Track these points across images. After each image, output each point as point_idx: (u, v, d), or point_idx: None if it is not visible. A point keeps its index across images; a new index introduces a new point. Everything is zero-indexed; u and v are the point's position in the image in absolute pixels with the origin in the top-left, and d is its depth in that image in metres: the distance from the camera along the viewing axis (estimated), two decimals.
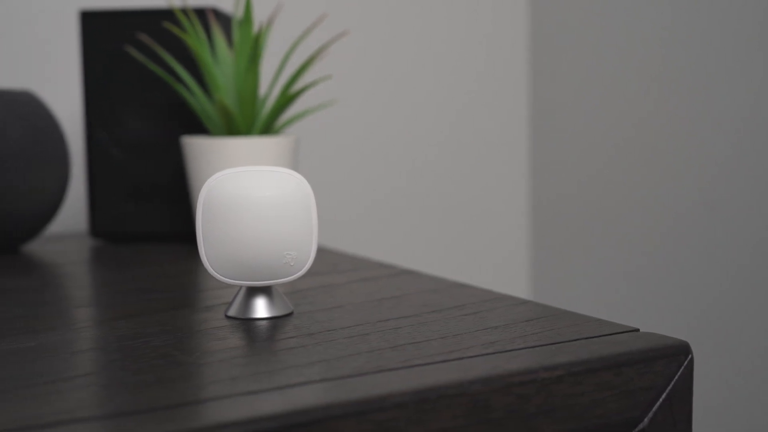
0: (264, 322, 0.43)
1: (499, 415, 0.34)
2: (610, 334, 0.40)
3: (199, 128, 0.68)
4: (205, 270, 0.57)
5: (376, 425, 0.31)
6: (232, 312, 0.44)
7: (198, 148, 0.61)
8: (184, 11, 0.68)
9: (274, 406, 0.30)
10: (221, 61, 0.63)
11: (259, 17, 0.88)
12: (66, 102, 0.80)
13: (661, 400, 0.38)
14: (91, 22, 0.68)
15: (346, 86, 0.94)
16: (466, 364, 0.35)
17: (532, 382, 0.34)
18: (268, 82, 0.88)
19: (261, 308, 0.44)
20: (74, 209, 0.81)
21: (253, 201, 0.42)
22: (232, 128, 0.62)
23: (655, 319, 0.89)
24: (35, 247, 0.67)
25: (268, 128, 0.64)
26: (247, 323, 0.43)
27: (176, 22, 0.68)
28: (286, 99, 0.62)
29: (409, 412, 0.32)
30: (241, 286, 0.44)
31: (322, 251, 0.64)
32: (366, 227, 0.96)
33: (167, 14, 0.68)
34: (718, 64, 0.81)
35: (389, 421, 0.31)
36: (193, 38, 0.62)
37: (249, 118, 0.62)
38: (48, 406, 0.31)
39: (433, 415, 0.32)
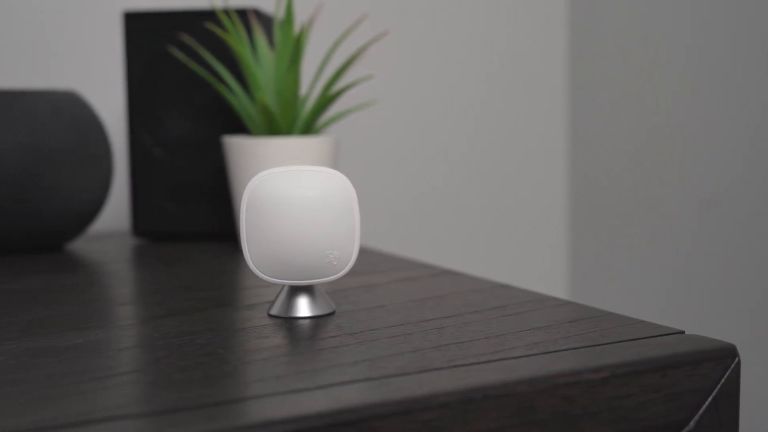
0: (306, 321, 0.43)
1: (544, 417, 0.34)
2: (656, 336, 0.39)
3: (240, 128, 0.69)
4: (247, 268, 0.57)
5: (421, 425, 0.31)
6: (274, 311, 0.44)
7: (239, 147, 0.62)
8: (226, 12, 0.69)
9: (320, 404, 0.30)
10: (262, 62, 0.63)
11: (299, 17, 0.88)
12: (109, 102, 0.81)
13: (707, 403, 0.37)
14: (135, 22, 0.69)
15: (386, 86, 0.94)
16: (511, 365, 0.35)
17: (578, 383, 0.34)
18: (309, 81, 0.89)
19: (303, 307, 0.44)
20: (117, 208, 0.82)
21: (296, 200, 0.42)
22: (273, 128, 0.62)
23: (699, 321, 0.88)
24: (78, 245, 0.68)
25: (309, 128, 0.64)
26: (289, 322, 0.43)
27: (218, 23, 0.68)
28: (327, 99, 0.62)
29: (454, 412, 0.32)
30: (283, 285, 0.44)
31: (362, 251, 0.64)
32: (404, 227, 0.96)
33: (209, 15, 0.68)
34: (760, 57, 0.80)
35: (434, 420, 0.31)
36: (235, 39, 0.62)
37: (290, 118, 0.62)
38: (96, 403, 0.31)
39: (478, 415, 0.32)
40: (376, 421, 0.30)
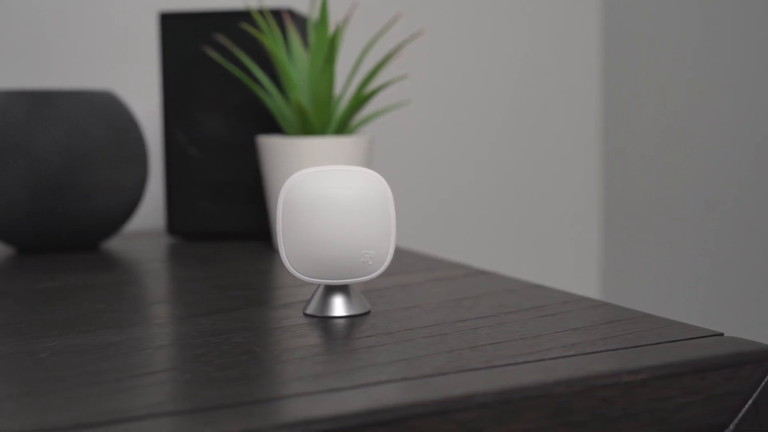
0: (342, 321, 0.43)
1: (582, 418, 0.33)
2: (694, 338, 0.39)
3: (275, 128, 0.69)
4: (281, 267, 0.57)
5: (459, 425, 0.31)
6: (310, 310, 0.44)
7: (273, 147, 0.62)
8: (261, 12, 0.69)
9: (358, 403, 0.30)
10: (296, 62, 0.64)
11: (333, 17, 0.88)
12: (145, 102, 0.82)
13: (747, 405, 0.37)
14: (170, 23, 0.69)
15: (419, 85, 0.94)
16: (548, 366, 0.35)
17: (616, 385, 0.34)
18: (343, 81, 0.89)
19: (339, 306, 0.44)
20: (151, 207, 0.83)
21: (332, 200, 0.42)
22: (308, 128, 0.62)
23: (736, 323, 0.87)
24: (114, 244, 0.69)
25: (343, 128, 0.64)
26: (325, 321, 0.43)
27: (253, 23, 0.69)
28: (361, 99, 0.62)
29: (492, 413, 0.32)
30: (319, 285, 0.45)
31: (396, 251, 0.64)
32: (436, 226, 0.96)
33: (244, 15, 0.69)
34: None
35: (472, 421, 0.31)
36: (270, 39, 0.63)
37: (324, 118, 0.63)
38: (137, 400, 0.31)
39: (516, 416, 0.32)
40: (415, 420, 0.30)
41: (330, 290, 0.44)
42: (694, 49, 0.89)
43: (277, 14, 0.68)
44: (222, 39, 0.68)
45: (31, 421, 0.29)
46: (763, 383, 0.37)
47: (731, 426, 0.37)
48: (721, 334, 0.40)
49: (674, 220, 0.93)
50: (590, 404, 0.34)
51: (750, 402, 0.37)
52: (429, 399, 0.31)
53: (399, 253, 0.63)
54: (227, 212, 0.70)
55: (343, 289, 0.44)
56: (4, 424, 0.29)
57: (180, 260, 0.61)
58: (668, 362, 0.35)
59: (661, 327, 0.41)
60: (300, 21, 0.70)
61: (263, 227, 0.70)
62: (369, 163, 0.64)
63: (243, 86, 0.69)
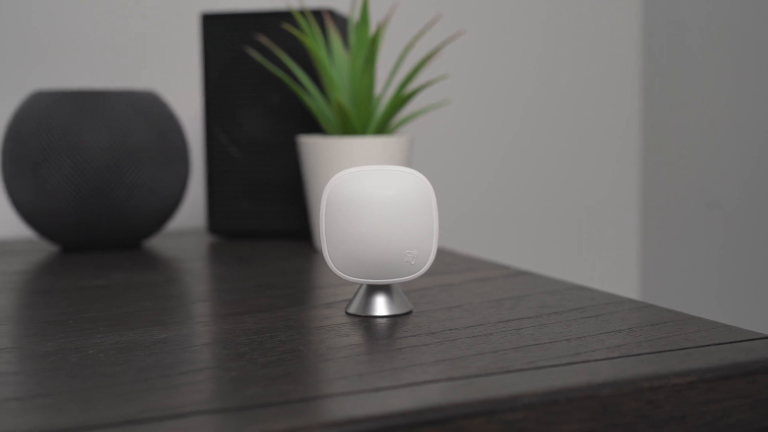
0: (384, 320, 0.43)
1: (629, 420, 0.33)
2: (742, 341, 0.38)
3: (314, 128, 0.69)
4: (322, 267, 0.58)
5: (505, 425, 0.31)
6: (352, 309, 0.44)
7: (314, 147, 0.62)
8: (302, 13, 0.69)
9: (404, 402, 0.30)
10: (337, 62, 0.64)
11: (373, 17, 0.88)
12: (187, 102, 0.83)
13: None
14: (212, 24, 0.70)
15: (458, 85, 0.94)
16: (594, 367, 0.35)
17: (663, 387, 0.34)
18: (382, 81, 0.89)
19: (381, 306, 0.44)
20: (192, 206, 0.84)
21: (376, 200, 0.42)
22: (348, 128, 0.62)
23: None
24: (156, 242, 0.70)
25: (383, 128, 0.64)
26: (367, 320, 0.43)
27: (294, 24, 0.69)
28: (401, 99, 0.62)
29: (538, 414, 0.31)
30: (361, 284, 0.45)
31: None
32: (475, 226, 0.96)
33: (285, 16, 0.69)
34: None
35: (519, 422, 0.31)
36: (311, 39, 0.63)
37: (364, 118, 0.63)
38: (183, 397, 0.32)
39: (562, 417, 0.32)
40: (461, 420, 0.30)
41: (372, 290, 0.44)
42: (732, 47, 0.88)
43: (317, 14, 0.68)
44: (263, 39, 0.68)
45: (81, 416, 0.29)
46: None
47: None
48: None
49: (716, 221, 0.92)
50: (636, 406, 0.33)
51: None
52: (475, 399, 0.31)
53: (438, 253, 0.63)
54: (267, 211, 0.70)
55: (386, 289, 0.44)
56: (53, 419, 0.29)
57: (221, 259, 0.61)
58: (716, 365, 0.35)
59: (707, 329, 0.40)
60: (340, 21, 0.71)
61: (302, 226, 0.70)
62: (408, 162, 0.64)
63: (283, 86, 0.69)
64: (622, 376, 0.33)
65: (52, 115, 0.62)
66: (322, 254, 0.63)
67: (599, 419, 0.33)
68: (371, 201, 0.42)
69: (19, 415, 0.30)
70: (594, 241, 1.01)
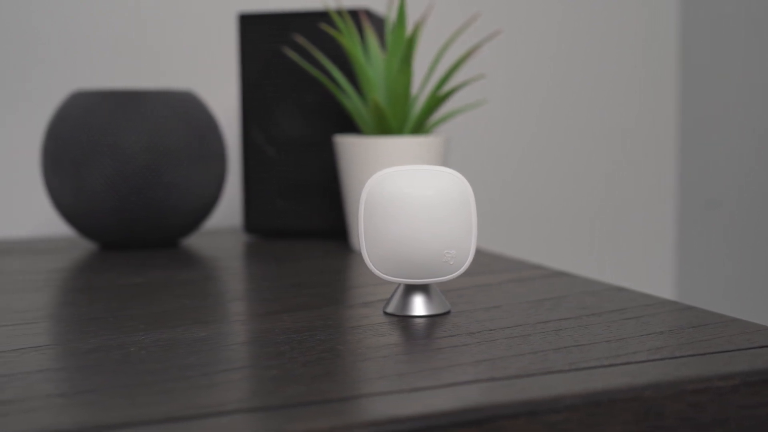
0: (422, 320, 0.43)
1: (671, 423, 0.33)
2: None
3: (350, 127, 0.70)
4: (358, 266, 0.58)
5: (547, 427, 0.31)
6: (390, 309, 0.44)
7: (350, 146, 0.62)
8: (339, 12, 0.69)
9: (445, 402, 0.30)
10: (373, 61, 0.64)
11: (409, 16, 0.88)
12: (224, 101, 0.83)
13: None
14: (249, 24, 0.70)
15: (494, 85, 0.93)
16: (636, 369, 0.34)
17: (706, 390, 0.33)
18: (419, 80, 0.89)
19: (419, 306, 0.44)
20: (229, 205, 0.84)
21: (415, 199, 0.42)
22: (384, 127, 0.62)
23: None
24: (193, 241, 0.70)
25: (419, 127, 0.64)
26: (405, 320, 0.43)
27: (330, 24, 0.69)
28: (438, 99, 0.62)
29: (580, 415, 0.31)
30: (399, 284, 0.45)
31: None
32: (510, 227, 0.95)
33: (322, 16, 0.69)
34: None
35: (561, 423, 0.31)
36: (347, 39, 0.63)
37: (401, 118, 0.63)
38: (225, 395, 0.32)
39: (604, 419, 0.32)
40: (502, 421, 0.30)
41: (410, 289, 0.44)
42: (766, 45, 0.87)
43: (354, 14, 0.68)
44: (300, 39, 0.68)
45: (126, 413, 0.30)
46: None
47: None
48: None
49: (751, 222, 0.91)
50: (679, 409, 0.33)
51: None
52: (516, 400, 0.31)
53: (475, 253, 0.63)
54: (302, 211, 0.70)
55: (424, 289, 0.44)
56: (99, 415, 0.30)
57: (257, 258, 0.62)
58: (760, 368, 0.34)
59: (750, 332, 0.40)
60: (377, 21, 0.71)
61: (338, 226, 0.70)
62: (444, 162, 0.64)
63: (319, 86, 0.69)
64: (665, 379, 0.33)
65: (92, 115, 0.63)
66: (359, 253, 0.63)
67: (642, 421, 0.32)
68: (410, 201, 0.42)
69: (65, 411, 0.30)
70: (629, 242, 1.00)
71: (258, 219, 0.71)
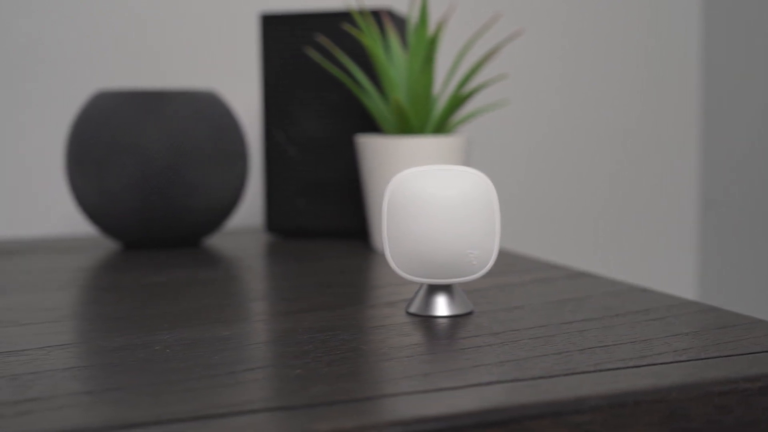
0: (445, 320, 0.43)
1: (697, 426, 0.33)
2: None
3: (371, 127, 0.70)
4: (380, 266, 0.58)
5: (572, 427, 0.31)
6: (413, 309, 0.44)
7: (372, 146, 0.62)
8: (361, 13, 0.70)
9: (471, 403, 0.30)
10: (395, 61, 0.64)
11: (431, 15, 0.88)
12: (246, 102, 0.84)
13: None
14: (271, 24, 0.70)
15: (516, 84, 0.93)
16: (661, 371, 0.34)
17: (733, 392, 0.33)
18: (440, 80, 0.89)
19: (442, 306, 0.44)
20: (250, 205, 0.85)
21: (438, 199, 0.42)
22: (406, 127, 0.62)
23: None
24: (214, 240, 0.70)
25: (441, 127, 0.64)
26: (428, 320, 0.43)
27: (352, 24, 0.69)
28: (460, 99, 0.62)
29: (605, 416, 0.31)
30: (422, 284, 0.45)
31: None
32: (531, 227, 0.95)
33: (344, 16, 0.69)
34: None
35: (586, 424, 0.31)
36: (369, 39, 0.63)
37: (422, 118, 0.63)
38: (251, 393, 0.32)
39: (629, 420, 0.32)
40: (527, 421, 0.30)
41: (433, 289, 0.44)
42: None
43: (376, 14, 0.69)
44: (322, 39, 0.68)
45: (153, 411, 0.30)
46: None
47: None
48: None
49: None
50: (705, 411, 0.33)
51: None
52: (541, 401, 0.31)
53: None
54: (323, 210, 0.70)
55: (447, 289, 0.44)
56: (126, 413, 0.30)
57: (279, 257, 0.62)
58: None
59: None
60: (399, 21, 0.71)
61: (359, 225, 0.70)
62: (466, 162, 0.64)
63: (340, 86, 0.69)
64: (691, 380, 0.33)
65: (115, 115, 0.63)
66: (381, 253, 0.63)
67: (667, 423, 0.32)
68: (433, 201, 0.42)
69: (92, 408, 0.30)
70: (651, 242, 1.00)
71: (279, 218, 0.71)
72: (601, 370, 0.34)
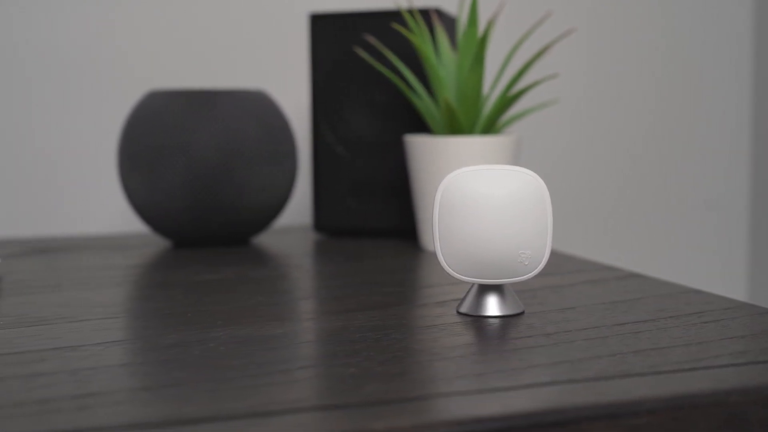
0: (496, 320, 0.43)
1: (757, 430, 0.32)
2: None
3: (419, 127, 0.70)
4: (429, 265, 0.58)
5: (628, 430, 0.30)
6: (464, 308, 0.44)
7: (421, 146, 0.62)
8: (410, 12, 0.70)
9: (526, 403, 0.30)
10: (444, 61, 0.64)
11: (480, 14, 0.88)
12: (295, 101, 0.84)
13: None
14: (320, 24, 0.71)
15: (567, 84, 0.92)
16: (718, 374, 0.34)
17: None
18: (490, 80, 0.89)
19: (493, 306, 0.44)
20: (299, 204, 0.85)
21: (490, 200, 0.42)
22: (455, 127, 0.62)
23: None
24: (263, 239, 0.71)
25: (490, 127, 0.64)
26: (479, 320, 0.43)
27: (402, 23, 0.69)
28: (509, 99, 0.62)
29: (661, 420, 0.31)
30: (473, 284, 0.45)
31: None
32: (582, 227, 0.94)
33: (393, 15, 0.69)
34: None
35: (642, 427, 0.30)
36: (419, 38, 0.63)
37: (472, 118, 0.63)
38: (305, 391, 0.32)
39: (686, 424, 0.31)
40: (583, 423, 0.30)
41: (484, 289, 0.44)
42: None
43: (425, 14, 0.69)
44: (371, 39, 0.68)
45: (208, 407, 0.30)
46: None
47: None
48: None
49: None
50: (765, 415, 0.32)
51: None
52: (597, 402, 0.30)
53: None
54: (372, 210, 0.71)
55: (498, 289, 0.44)
56: (183, 409, 0.30)
57: (328, 256, 0.62)
58: None
59: None
60: (448, 20, 0.70)
61: (407, 225, 0.70)
62: (516, 162, 0.64)
63: (389, 85, 0.70)
64: (750, 384, 0.32)
65: (166, 114, 0.64)
66: (430, 253, 0.63)
67: (725, 428, 0.32)
68: (485, 201, 0.42)
69: (150, 404, 0.31)
70: (702, 243, 0.98)
71: (328, 218, 0.72)
72: (656, 373, 0.34)
